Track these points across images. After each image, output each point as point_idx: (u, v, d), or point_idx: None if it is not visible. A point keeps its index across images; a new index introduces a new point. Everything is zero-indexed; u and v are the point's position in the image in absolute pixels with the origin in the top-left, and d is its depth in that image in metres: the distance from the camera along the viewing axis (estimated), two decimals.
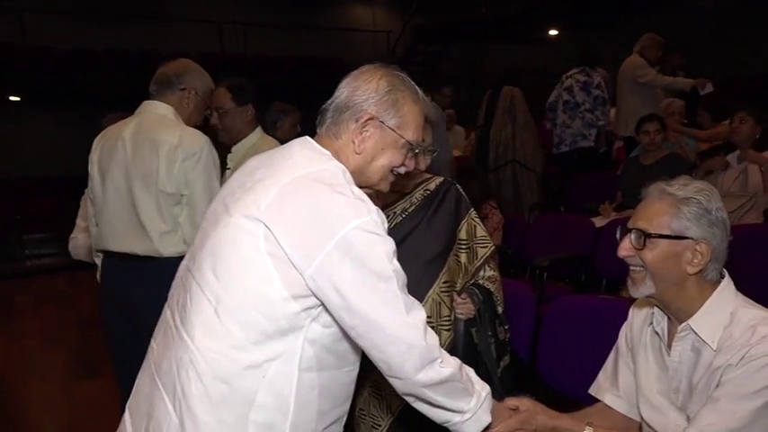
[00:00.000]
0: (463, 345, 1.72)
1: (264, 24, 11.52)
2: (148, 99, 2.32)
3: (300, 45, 11.80)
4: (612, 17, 9.83)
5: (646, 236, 1.25)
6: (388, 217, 1.77)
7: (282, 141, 4.46)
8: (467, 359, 1.72)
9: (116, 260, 2.28)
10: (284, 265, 1.09)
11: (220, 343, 1.12)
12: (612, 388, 1.48)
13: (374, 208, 1.13)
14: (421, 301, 1.69)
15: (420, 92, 1.27)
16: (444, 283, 1.75)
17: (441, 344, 1.68)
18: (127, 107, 2.59)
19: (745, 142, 3.36)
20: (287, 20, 11.85)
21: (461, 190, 1.86)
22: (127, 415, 1.28)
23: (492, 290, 1.79)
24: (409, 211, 1.79)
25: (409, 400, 1.21)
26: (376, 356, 1.15)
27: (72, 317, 5.77)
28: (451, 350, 1.73)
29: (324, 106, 1.26)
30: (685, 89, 4.88)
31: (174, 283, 1.30)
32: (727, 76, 5.77)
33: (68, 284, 7.30)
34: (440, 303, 1.74)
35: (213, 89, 2.44)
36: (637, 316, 1.45)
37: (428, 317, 1.70)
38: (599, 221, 3.62)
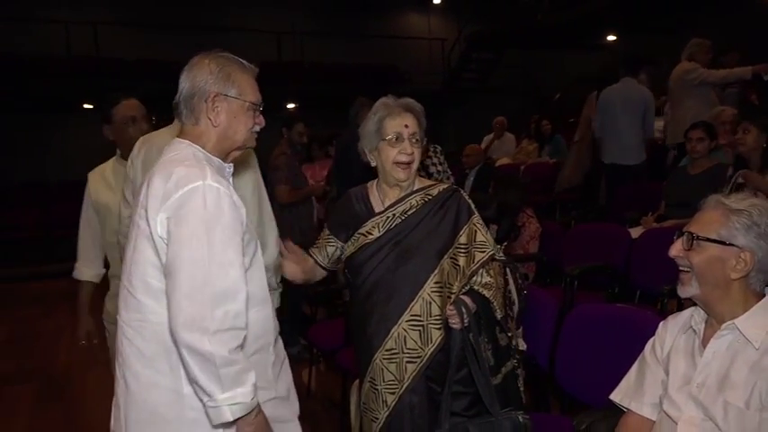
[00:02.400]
0: (459, 349, 1.76)
1: (321, 33, 11.81)
2: None
3: (356, 53, 12.02)
4: (672, 23, 9.52)
5: (694, 238, 1.39)
6: (387, 218, 1.87)
7: None
8: (461, 363, 1.79)
9: None
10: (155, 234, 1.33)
11: (138, 313, 1.39)
12: (637, 395, 1.53)
13: (209, 174, 1.33)
14: (412, 300, 1.79)
15: (245, 62, 1.51)
16: (436, 283, 1.81)
17: (431, 342, 1.79)
18: None
19: (752, 153, 3.22)
20: (343, 28, 12.10)
21: (466, 197, 1.92)
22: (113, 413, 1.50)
23: (488, 296, 1.82)
24: (408, 213, 1.88)
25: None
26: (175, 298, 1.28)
27: None
28: (445, 351, 1.80)
29: (174, 101, 1.48)
30: (745, 77, 4.57)
31: None
32: None
33: None
34: (430, 303, 1.81)
35: None
36: (671, 329, 1.52)
37: (418, 315, 1.79)
38: (636, 232, 3.53)
